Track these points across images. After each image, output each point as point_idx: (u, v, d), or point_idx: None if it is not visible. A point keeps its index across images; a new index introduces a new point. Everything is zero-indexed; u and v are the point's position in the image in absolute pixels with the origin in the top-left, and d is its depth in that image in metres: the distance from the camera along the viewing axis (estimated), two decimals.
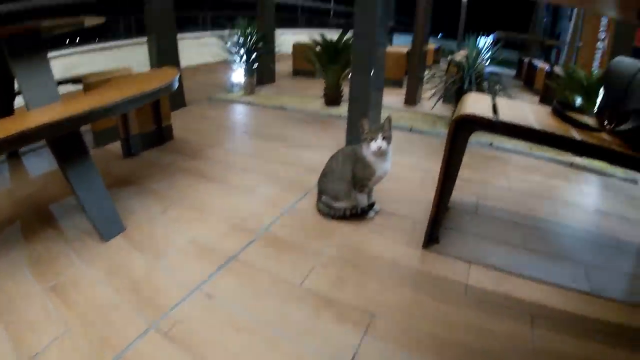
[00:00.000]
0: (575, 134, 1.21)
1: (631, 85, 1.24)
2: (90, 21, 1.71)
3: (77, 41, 4.37)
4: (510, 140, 2.68)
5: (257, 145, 2.70)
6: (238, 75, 4.09)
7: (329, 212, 1.71)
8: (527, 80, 6.28)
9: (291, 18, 9.82)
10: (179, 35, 3.43)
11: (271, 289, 1.27)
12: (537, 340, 1.11)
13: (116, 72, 2.44)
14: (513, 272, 1.41)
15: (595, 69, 4.44)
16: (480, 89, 3.06)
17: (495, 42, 3.76)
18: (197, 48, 5.88)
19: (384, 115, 1.60)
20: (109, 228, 1.54)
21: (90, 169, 1.48)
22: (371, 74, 2.33)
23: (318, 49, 3.66)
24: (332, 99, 3.76)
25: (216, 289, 1.26)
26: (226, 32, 3.95)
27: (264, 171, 2.20)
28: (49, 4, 4.15)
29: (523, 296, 1.29)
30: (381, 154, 1.58)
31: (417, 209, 1.80)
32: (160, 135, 2.60)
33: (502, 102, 1.52)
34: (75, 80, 2.29)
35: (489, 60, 3.44)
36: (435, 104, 3.40)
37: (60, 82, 2.05)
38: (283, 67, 5.47)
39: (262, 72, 4.59)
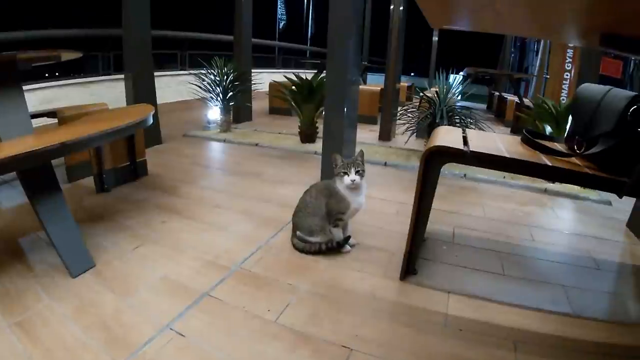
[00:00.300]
0: (546, 160, 1.25)
1: (598, 110, 1.28)
2: (68, 55, 1.73)
3: (55, 75, 4.36)
4: (483, 170, 2.71)
5: (232, 182, 2.71)
6: (214, 113, 4.14)
7: (304, 247, 1.71)
8: (498, 112, 6.63)
9: (268, 58, 10.15)
10: (157, 73, 3.49)
11: (245, 326, 1.25)
12: None
13: (91, 107, 2.44)
14: (493, 299, 1.42)
15: (564, 98, 4.60)
16: (451, 123, 3.19)
17: (465, 78, 3.95)
18: (174, 86, 5.94)
19: (358, 150, 1.67)
20: (77, 264, 1.49)
21: (60, 204, 1.45)
22: (344, 110, 2.42)
23: (293, 87, 3.78)
24: (307, 135, 3.85)
25: (188, 327, 1.23)
26: (203, 70, 4.04)
27: (239, 208, 2.20)
28: (30, 36, 4.15)
29: (504, 323, 1.30)
30: (355, 187, 1.63)
31: (393, 241, 1.83)
32: (134, 171, 2.58)
33: (472, 133, 1.57)
34: (49, 114, 2.27)
35: (459, 95, 3.60)
36: (408, 139, 3.54)
37: (35, 116, 2.03)
38: (260, 105, 5.59)
39: (238, 110, 4.68)
